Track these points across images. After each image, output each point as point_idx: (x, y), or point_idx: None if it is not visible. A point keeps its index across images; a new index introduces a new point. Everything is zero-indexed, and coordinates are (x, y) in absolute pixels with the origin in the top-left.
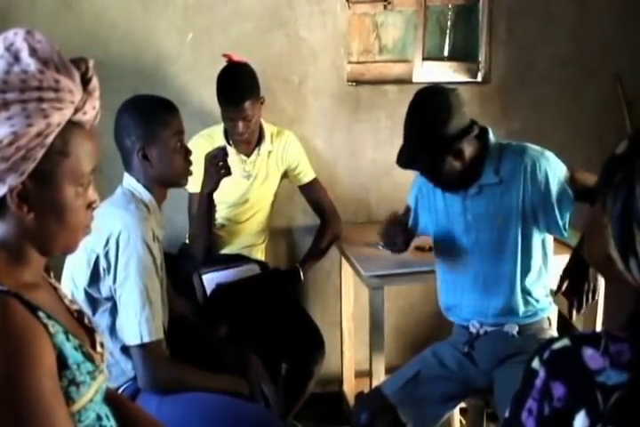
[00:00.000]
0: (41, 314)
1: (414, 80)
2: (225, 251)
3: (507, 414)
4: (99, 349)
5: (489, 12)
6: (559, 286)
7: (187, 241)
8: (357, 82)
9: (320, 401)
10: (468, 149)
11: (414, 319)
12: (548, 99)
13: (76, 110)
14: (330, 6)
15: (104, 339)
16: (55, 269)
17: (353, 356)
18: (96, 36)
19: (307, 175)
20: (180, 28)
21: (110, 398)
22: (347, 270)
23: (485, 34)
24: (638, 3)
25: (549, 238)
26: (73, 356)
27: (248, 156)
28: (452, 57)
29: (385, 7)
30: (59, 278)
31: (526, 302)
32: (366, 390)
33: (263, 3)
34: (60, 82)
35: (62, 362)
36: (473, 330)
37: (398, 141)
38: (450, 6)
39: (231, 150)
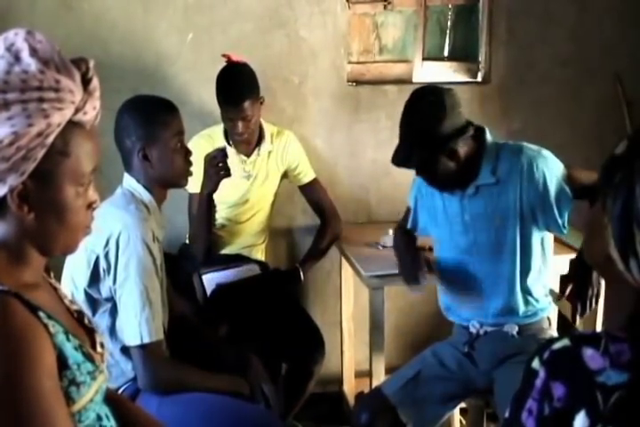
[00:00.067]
0: (41, 314)
1: (414, 80)
2: (225, 251)
3: (507, 415)
4: (99, 349)
5: (489, 12)
6: (562, 290)
7: (187, 241)
8: (357, 82)
9: (320, 401)
10: (463, 149)
11: (414, 319)
12: (548, 99)
13: (77, 110)
14: (330, 6)
15: (104, 339)
16: (55, 269)
17: (353, 356)
18: (96, 37)
19: (307, 175)
20: (180, 28)
21: (110, 398)
22: (347, 270)
23: (485, 34)
24: (638, 3)
25: (548, 238)
26: (73, 356)
27: (248, 156)
28: (452, 57)
29: (385, 7)
30: (58, 279)
31: (526, 302)
32: (366, 390)
33: (263, 3)
34: (61, 82)
35: (62, 362)
36: (473, 330)
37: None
38: (450, 6)
39: (231, 151)
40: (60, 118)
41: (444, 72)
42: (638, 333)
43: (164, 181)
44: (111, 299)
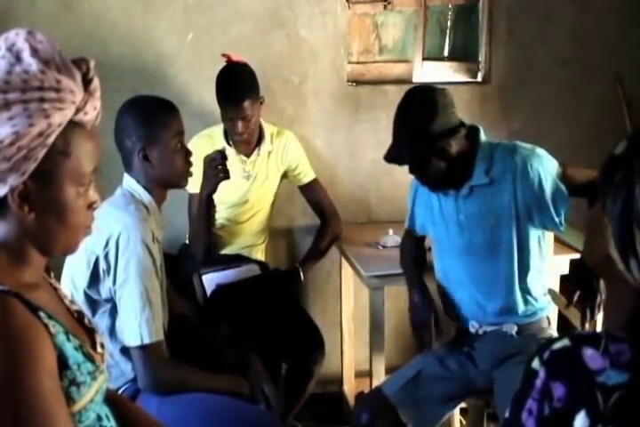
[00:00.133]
0: (42, 314)
1: (414, 80)
2: (225, 251)
3: (507, 415)
4: (99, 349)
5: (489, 12)
6: (570, 299)
7: (187, 241)
8: (357, 82)
9: (320, 401)
10: (455, 148)
11: None
12: (548, 99)
13: (78, 110)
14: (330, 6)
15: (104, 340)
16: (55, 269)
17: (353, 356)
18: (96, 37)
19: (307, 175)
20: (180, 28)
21: (110, 398)
22: (347, 270)
23: (485, 34)
24: (638, 3)
25: (547, 237)
26: (73, 356)
27: (248, 156)
28: (451, 57)
29: (385, 7)
30: (58, 279)
31: (526, 302)
32: (366, 390)
33: (263, 3)
34: (62, 82)
35: (63, 362)
36: (472, 330)
37: None
38: (450, 6)
39: (231, 151)
40: (60, 118)
41: (444, 72)
42: (638, 333)
43: (165, 181)
44: (111, 300)
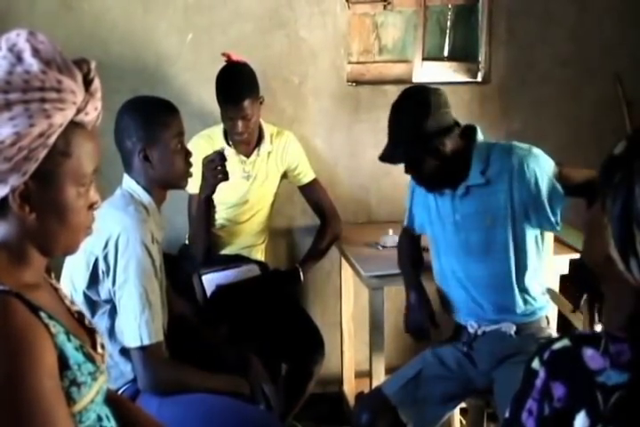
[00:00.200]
0: (42, 314)
1: (414, 80)
2: (225, 251)
3: (507, 415)
4: (99, 350)
5: (489, 12)
6: (576, 303)
7: (186, 242)
8: (357, 82)
9: (320, 402)
10: (449, 148)
11: None
12: (548, 99)
13: (78, 111)
14: (330, 7)
15: (104, 340)
16: (55, 270)
17: (353, 356)
18: (96, 37)
19: (306, 176)
20: (180, 28)
21: (111, 398)
22: (347, 271)
23: (485, 34)
24: (638, 3)
25: (545, 237)
26: (74, 356)
27: (248, 156)
28: (451, 57)
29: (385, 7)
30: (58, 280)
31: (525, 301)
32: (366, 390)
33: (263, 3)
34: (63, 82)
35: (63, 362)
36: (471, 330)
37: None
38: (450, 6)
39: (231, 151)
40: (61, 119)
41: (443, 72)
42: (638, 333)
43: (165, 182)
44: (110, 301)
